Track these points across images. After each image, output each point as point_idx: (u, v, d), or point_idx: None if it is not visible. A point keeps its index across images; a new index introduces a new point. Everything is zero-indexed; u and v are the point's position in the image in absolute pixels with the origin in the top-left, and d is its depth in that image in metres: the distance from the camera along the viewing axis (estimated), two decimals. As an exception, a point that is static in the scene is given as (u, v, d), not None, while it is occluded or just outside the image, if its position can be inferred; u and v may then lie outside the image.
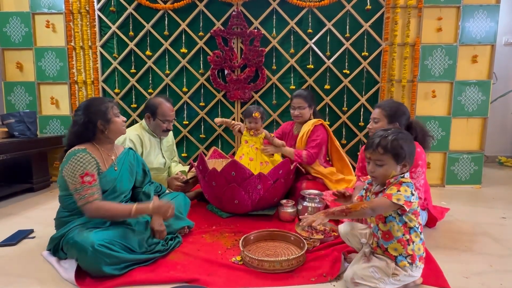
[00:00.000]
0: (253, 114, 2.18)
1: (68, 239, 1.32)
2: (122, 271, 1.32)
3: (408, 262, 1.16)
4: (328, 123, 2.81)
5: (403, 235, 1.16)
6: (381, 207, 1.14)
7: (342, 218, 1.25)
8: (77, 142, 1.46)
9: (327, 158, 2.43)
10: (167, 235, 1.58)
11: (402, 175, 1.20)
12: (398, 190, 1.14)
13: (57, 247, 1.42)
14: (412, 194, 1.15)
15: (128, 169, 1.61)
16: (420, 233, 1.19)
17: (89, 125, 1.45)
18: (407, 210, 1.13)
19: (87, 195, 1.35)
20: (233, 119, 2.96)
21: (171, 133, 2.36)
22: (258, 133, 2.25)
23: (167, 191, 1.94)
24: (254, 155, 2.20)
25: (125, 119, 1.58)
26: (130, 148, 1.71)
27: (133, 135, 2.04)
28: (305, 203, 1.97)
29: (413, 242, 1.17)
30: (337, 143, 2.35)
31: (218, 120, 2.34)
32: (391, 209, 1.15)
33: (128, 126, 2.16)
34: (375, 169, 1.22)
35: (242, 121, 2.47)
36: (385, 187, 1.21)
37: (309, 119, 2.33)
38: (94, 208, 1.35)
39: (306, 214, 1.91)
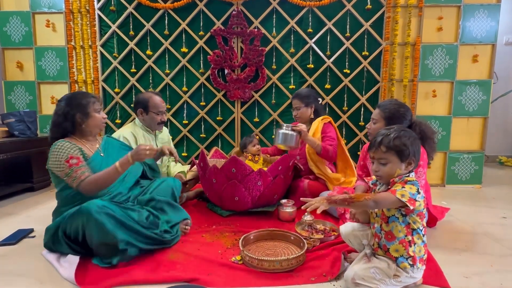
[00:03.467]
0: (255, 137, 2.48)
1: (71, 213, 1.34)
2: (133, 248, 1.35)
3: (409, 264, 1.15)
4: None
5: (405, 236, 1.15)
6: (385, 201, 1.12)
7: (345, 207, 1.23)
8: (58, 133, 1.50)
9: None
10: (170, 223, 1.60)
11: (407, 174, 1.18)
12: (403, 187, 1.13)
13: (55, 237, 1.42)
14: (418, 192, 1.13)
15: (116, 152, 1.63)
16: (423, 235, 1.18)
17: (68, 116, 1.48)
18: (411, 209, 1.10)
19: (78, 175, 1.40)
20: (233, 119, 2.96)
21: (166, 130, 2.39)
22: (258, 159, 2.42)
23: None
24: None
25: (105, 116, 1.63)
26: (108, 136, 1.75)
27: (126, 133, 2.07)
28: (282, 131, 2.07)
29: (415, 243, 1.15)
30: (342, 142, 2.35)
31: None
32: (395, 206, 1.13)
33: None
34: (380, 168, 1.20)
35: (245, 145, 2.50)
36: (389, 187, 1.20)
37: (310, 117, 2.32)
38: (88, 183, 1.40)
39: (280, 142, 2.05)
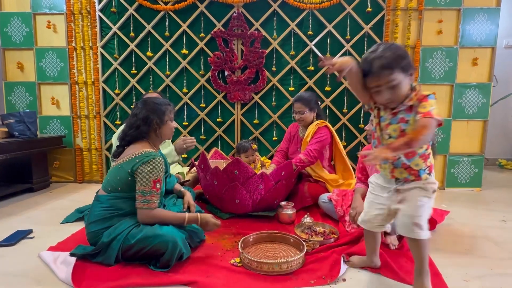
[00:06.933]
0: (252, 146, 2.35)
1: (147, 236, 1.34)
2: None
3: (427, 173, 1.18)
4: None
5: (426, 150, 1.17)
6: (432, 127, 1.05)
7: (407, 150, 1.09)
8: (132, 136, 1.49)
9: (331, 162, 2.42)
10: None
11: (420, 87, 1.13)
12: (432, 105, 1.07)
13: (105, 250, 1.38)
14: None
15: None
16: None
17: (147, 120, 1.49)
18: (443, 124, 1.11)
19: (151, 201, 1.40)
20: (233, 121, 2.96)
21: None
22: (256, 166, 2.34)
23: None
24: None
25: (176, 125, 1.65)
26: None
27: None
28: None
29: (429, 153, 1.19)
30: (340, 145, 2.32)
31: None
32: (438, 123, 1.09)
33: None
34: (391, 94, 1.11)
35: (238, 151, 2.47)
36: (403, 103, 1.13)
37: (313, 121, 2.31)
38: (151, 215, 1.40)
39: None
